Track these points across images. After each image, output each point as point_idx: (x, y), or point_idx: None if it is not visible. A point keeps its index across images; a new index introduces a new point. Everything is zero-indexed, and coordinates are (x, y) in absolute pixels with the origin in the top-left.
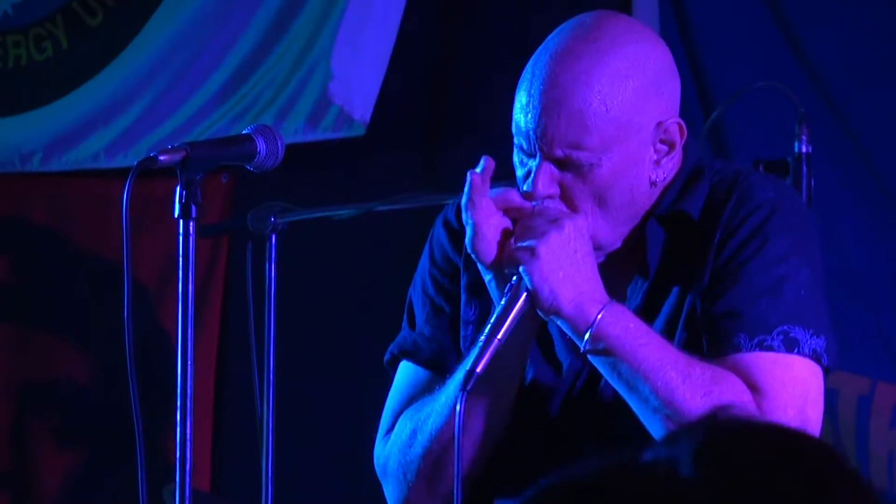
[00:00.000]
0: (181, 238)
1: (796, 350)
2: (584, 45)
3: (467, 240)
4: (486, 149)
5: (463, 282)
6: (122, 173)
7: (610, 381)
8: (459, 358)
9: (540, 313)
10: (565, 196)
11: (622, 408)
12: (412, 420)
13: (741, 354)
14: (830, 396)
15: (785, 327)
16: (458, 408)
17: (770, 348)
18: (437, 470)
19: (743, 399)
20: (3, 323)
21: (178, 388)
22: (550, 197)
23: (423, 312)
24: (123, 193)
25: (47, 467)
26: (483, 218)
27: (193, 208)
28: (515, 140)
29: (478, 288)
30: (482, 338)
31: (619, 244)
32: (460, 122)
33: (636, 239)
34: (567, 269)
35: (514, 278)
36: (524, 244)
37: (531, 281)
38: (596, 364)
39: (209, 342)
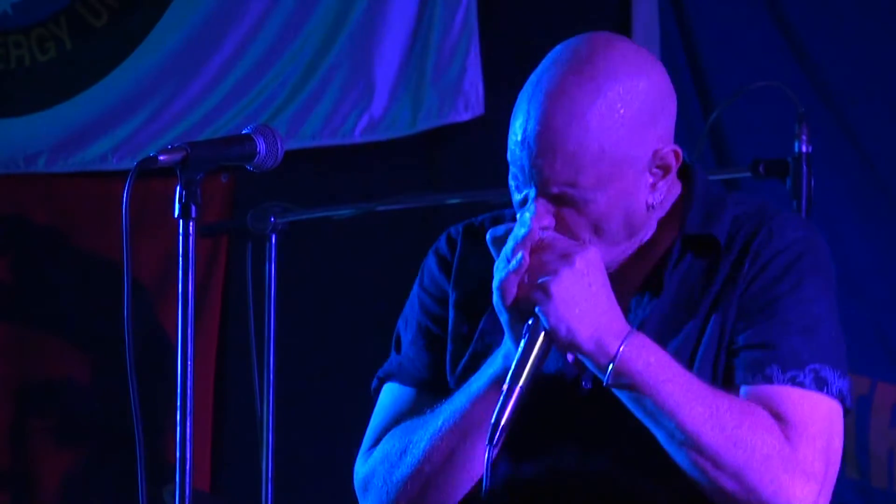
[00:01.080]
0: (181, 238)
1: (825, 390)
2: (579, 82)
3: (495, 284)
4: (485, 149)
5: (452, 299)
6: (122, 173)
7: (636, 415)
8: (444, 376)
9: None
10: (562, 227)
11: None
12: (401, 440)
13: (773, 386)
14: None
15: (816, 365)
16: (486, 459)
17: (801, 384)
18: (425, 493)
19: (772, 431)
20: (3, 323)
21: (178, 388)
22: (545, 229)
23: (409, 334)
24: (123, 193)
25: (47, 467)
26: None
27: (193, 208)
28: (511, 168)
29: (469, 304)
30: (504, 386)
31: (617, 264)
32: (460, 122)
33: (644, 253)
34: (582, 304)
35: (531, 319)
36: (538, 282)
37: (548, 321)
38: (621, 397)
39: (209, 342)
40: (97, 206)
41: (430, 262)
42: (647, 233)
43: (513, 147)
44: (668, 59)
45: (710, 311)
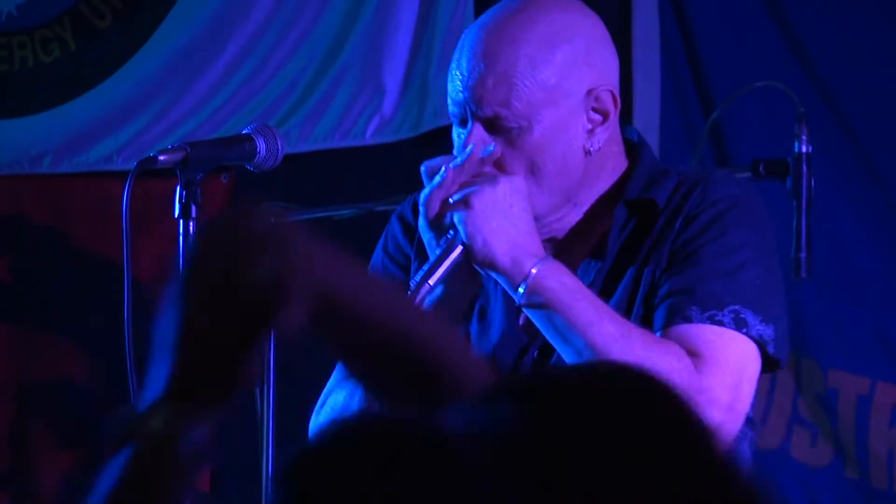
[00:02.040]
0: (181, 238)
1: (744, 330)
2: (512, 14)
3: (420, 199)
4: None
5: (413, 267)
6: (123, 174)
7: (545, 335)
8: None
9: (477, 268)
10: (498, 163)
11: None
12: (345, 390)
13: (690, 325)
14: (830, 396)
15: (736, 307)
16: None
17: (720, 323)
18: None
19: (682, 359)
20: (3, 323)
21: None
22: (483, 161)
23: None
24: (123, 193)
25: (47, 467)
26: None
27: (193, 208)
28: (451, 116)
29: None
30: (413, 282)
31: (555, 217)
32: None
33: (588, 223)
34: (501, 221)
35: (451, 232)
36: (459, 197)
37: (465, 231)
38: (531, 317)
39: None
40: (98, 206)
41: (395, 228)
42: (588, 196)
43: (449, 86)
44: (668, 59)
45: (642, 268)
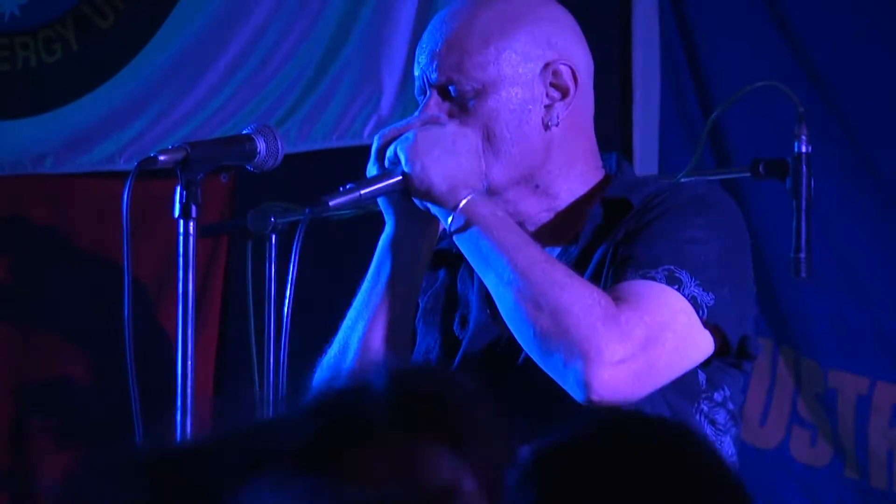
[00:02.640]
0: (181, 238)
1: (676, 286)
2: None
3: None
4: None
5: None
6: (122, 173)
7: (471, 262)
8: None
9: (417, 202)
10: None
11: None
12: (337, 344)
13: (623, 283)
14: (829, 396)
15: (672, 267)
16: (301, 226)
17: (651, 278)
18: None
19: (605, 296)
20: (3, 323)
21: (178, 388)
22: (437, 121)
23: None
24: (123, 193)
25: (47, 467)
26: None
27: (193, 208)
28: (415, 90)
29: (435, 259)
30: (345, 187)
31: (514, 195)
32: None
33: (563, 222)
34: (442, 154)
35: (395, 165)
36: (406, 133)
37: (406, 158)
38: (458, 243)
39: (209, 342)
40: (98, 206)
41: None
42: (555, 186)
43: (414, 64)
44: (668, 59)
45: (604, 255)
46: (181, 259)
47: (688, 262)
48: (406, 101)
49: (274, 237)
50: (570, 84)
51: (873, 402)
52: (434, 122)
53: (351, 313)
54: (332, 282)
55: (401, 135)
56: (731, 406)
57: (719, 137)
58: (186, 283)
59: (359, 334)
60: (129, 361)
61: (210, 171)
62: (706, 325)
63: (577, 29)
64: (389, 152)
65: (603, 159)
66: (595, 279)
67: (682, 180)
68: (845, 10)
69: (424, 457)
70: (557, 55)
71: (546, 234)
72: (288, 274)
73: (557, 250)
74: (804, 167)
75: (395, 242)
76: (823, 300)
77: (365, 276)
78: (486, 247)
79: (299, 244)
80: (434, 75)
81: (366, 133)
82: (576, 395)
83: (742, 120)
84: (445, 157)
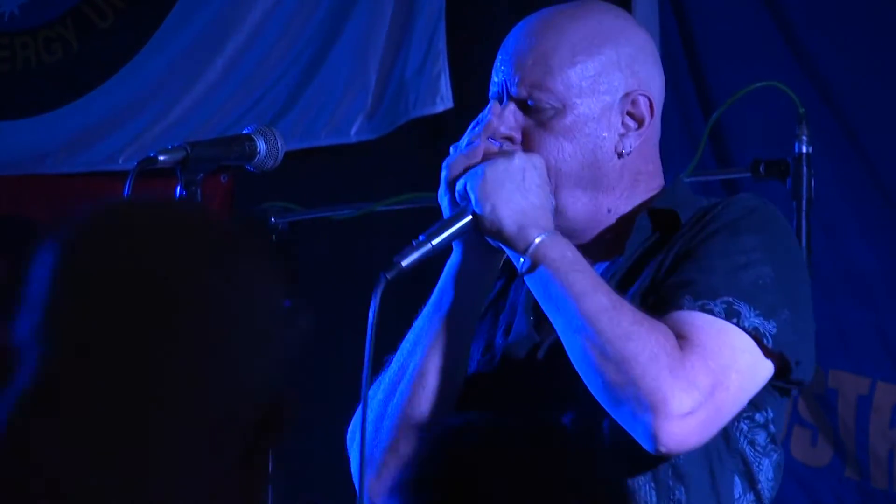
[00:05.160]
0: None
1: (735, 320)
2: (565, 9)
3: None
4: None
5: None
6: (122, 173)
7: (541, 305)
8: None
9: (489, 240)
10: (527, 143)
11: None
12: (379, 388)
13: (681, 312)
14: (830, 396)
15: (730, 298)
16: (376, 291)
17: (710, 311)
18: (409, 415)
19: (668, 338)
20: (2, 323)
21: None
22: (511, 139)
23: None
24: (123, 193)
25: None
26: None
27: None
28: (490, 95)
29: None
30: (417, 240)
31: (581, 216)
32: (461, 122)
33: (613, 232)
34: (512, 191)
35: (464, 202)
36: (475, 167)
37: (475, 198)
38: (529, 285)
39: None
40: None
41: None
42: (618, 205)
43: (494, 68)
44: (668, 59)
45: (655, 271)
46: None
47: (745, 292)
48: (387, 101)
49: (274, 237)
50: (647, 115)
51: (874, 402)
52: (503, 148)
53: (410, 336)
54: (332, 282)
55: (470, 166)
56: (772, 429)
57: (719, 137)
58: None
59: (416, 359)
60: None
61: (210, 171)
62: (769, 354)
63: (657, 53)
64: (459, 186)
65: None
66: (643, 295)
67: (735, 196)
68: (845, 10)
69: None
70: (638, 84)
71: (594, 245)
72: (364, 326)
73: (605, 264)
74: (804, 167)
75: (460, 273)
76: (824, 300)
77: (427, 301)
78: (555, 291)
79: (376, 307)
80: (515, 88)
81: (353, 131)
82: (644, 444)
83: (742, 120)
84: (515, 196)
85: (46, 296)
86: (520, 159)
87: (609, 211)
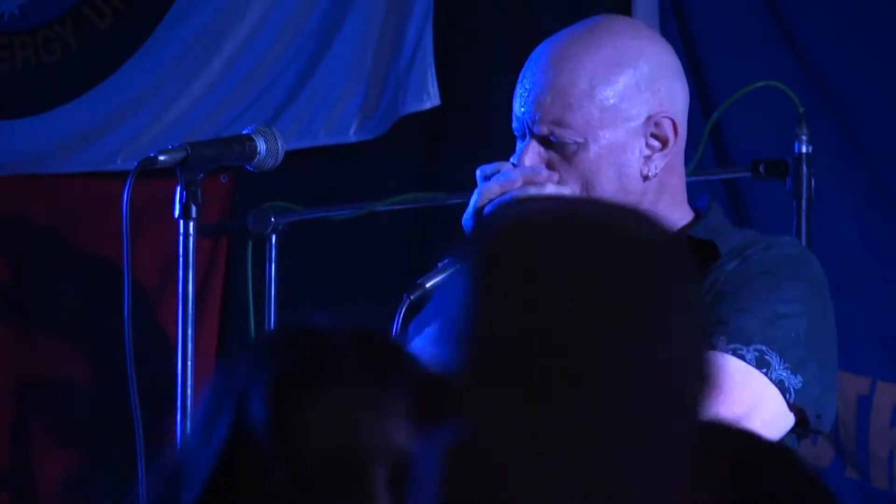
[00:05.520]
0: (181, 238)
1: (764, 370)
2: (580, 35)
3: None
4: (486, 149)
5: None
6: (122, 173)
7: None
8: None
9: None
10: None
11: None
12: None
13: (713, 352)
14: None
15: (763, 347)
16: (399, 310)
17: (742, 357)
18: None
19: None
20: (3, 323)
21: (178, 388)
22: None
23: None
24: (123, 193)
25: (47, 467)
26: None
27: (193, 208)
28: (514, 130)
29: None
30: (441, 263)
31: None
32: (461, 123)
33: None
34: None
35: None
36: (506, 198)
37: None
38: None
39: (209, 342)
40: (99, 206)
41: None
42: None
43: (514, 102)
44: None
45: None
46: (181, 259)
47: (777, 343)
48: (384, 100)
49: (274, 237)
50: (671, 135)
51: (874, 402)
52: (533, 180)
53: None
54: (332, 282)
55: (499, 197)
56: None
57: (719, 137)
58: (186, 283)
59: None
60: (129, 361)
61: (210, 171)
62: (791, 407)
63: (678, 65)
64: (487, 211)
65: (695, 198)
66: None
67: (777, 236)
68: (845, 10)
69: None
70: (660, 104)
71: None
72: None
73: None
74: (804, 167)
75: None
76: None
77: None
78: None
79: (398, 327)
80: (537, 126)
81: (351, 131)
82: None
83: (742, 120)
84: None
85: (475, 325)
86: (550, 190)
87: None
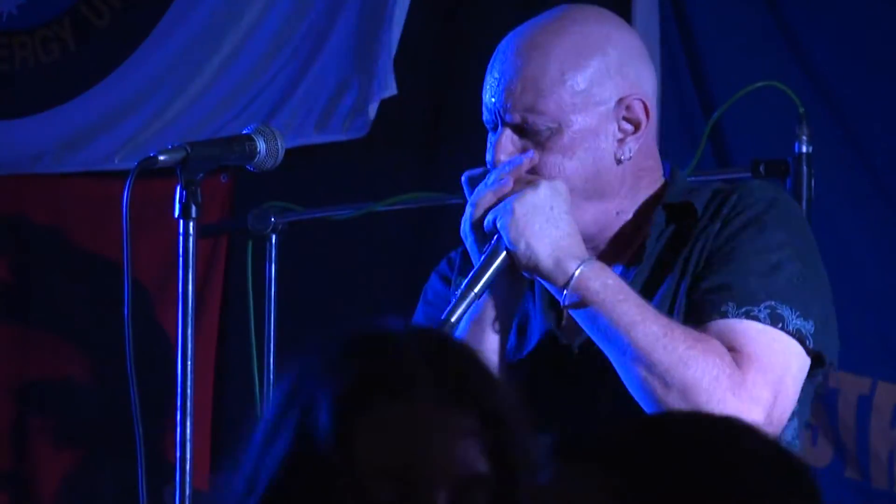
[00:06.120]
0: (181, 238)
1: (780, 325)
2: (547, 24)
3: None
4: (485, 149)
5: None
6: (122, 173)
7: (590, 335)
8: None
9: (525, 274)
10: (532, 168)
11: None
12: None
13: (727, 320)
14: (830, 396)
15: (772, 303)
16: None
17: (756, 318)
18: None
19: (723, 356)
20: (3, 323)
21: (178, 388)
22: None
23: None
24: (123, 193)
25: (47, 467)
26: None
27: (193, 208)
28: (485, 122)
29: None
30: (458, 291)
31: (585, 219)
32: (460, 122)
33: (628, 231)
34: (543, 224)
35: (495, 238)
36: (502, 204)
37: (508, 237)
38: (576, 318)
39: (209, 342)
40: (98, 206)
41: (433, 281)
42: (625, 205)
43: (484, 94)
44: (668, 59)
45: (683, 271)
46: (181, 259)
47: (783, 294)
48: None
49: (274, 237)
50: (643, 118)
51: (874, 402)
52: (522, 177)
53: None
54: (332, 282)
55: (496, 202)
56: (796, 422)
57: (719, 137)
58: (186, 283)
59: None
60: (129, 361)
61: (210, 170)
62: (809, 352)
63: (645, 51)
64: (487, 223)
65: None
66: (669, 302)
67: (744, 182)
68: (845, 10)
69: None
70: (629, 88)
71: (611, 247)
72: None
73: (624, 266)
74: (804, 167)
75: (488, 306)
76: None
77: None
78: (604, 324)
79: None
80: (509, 115)
81: (345, 128)
82: None
83: (742, 120)
84: (547, 228)
85: None
86: (545, 189)
87: (618, 213)
